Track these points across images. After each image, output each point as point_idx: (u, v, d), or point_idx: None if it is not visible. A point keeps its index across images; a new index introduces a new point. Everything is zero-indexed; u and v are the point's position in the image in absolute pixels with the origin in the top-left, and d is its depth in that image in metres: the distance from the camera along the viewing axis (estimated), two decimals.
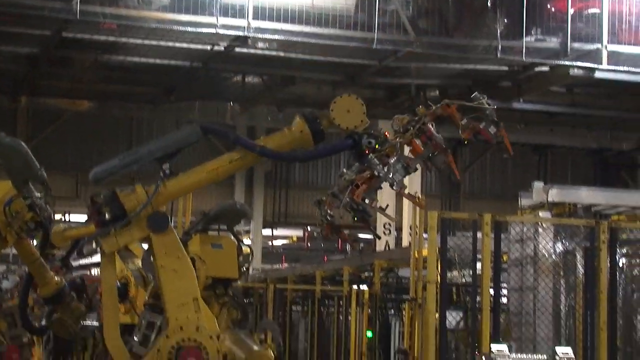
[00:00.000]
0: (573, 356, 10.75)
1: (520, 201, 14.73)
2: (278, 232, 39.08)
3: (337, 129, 10.83)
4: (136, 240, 10.93)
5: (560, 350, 10.81)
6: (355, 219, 11.10)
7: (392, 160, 10.69)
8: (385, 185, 10.86)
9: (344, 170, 11.24)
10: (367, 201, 11.23)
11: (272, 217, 37.08)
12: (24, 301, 12.70)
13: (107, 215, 10.58)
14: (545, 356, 10.89)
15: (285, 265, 34.62)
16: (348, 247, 36.14)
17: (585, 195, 14.96)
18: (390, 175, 10.71)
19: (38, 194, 11.34)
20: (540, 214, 14.08)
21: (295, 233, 40.28)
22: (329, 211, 11.14)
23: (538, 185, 14.58)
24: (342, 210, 10.99)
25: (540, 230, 12.37)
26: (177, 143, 10.94)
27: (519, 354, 10.99)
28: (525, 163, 34.78)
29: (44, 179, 11.41)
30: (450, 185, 31.48)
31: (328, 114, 10.88)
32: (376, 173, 10.68)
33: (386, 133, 11.06)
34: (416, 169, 13.02)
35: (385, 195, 11.28)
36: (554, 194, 14.45)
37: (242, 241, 12.91)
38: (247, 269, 13.01)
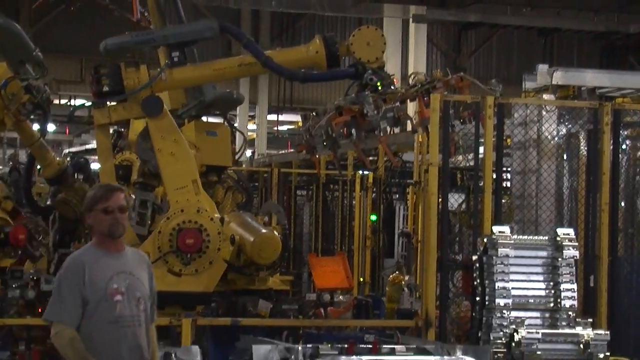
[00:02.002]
0: (574, 237, 10.83)
1: (524, 84, 14.65)
2: (283, 117, 39.07)
3: (353, 58, 10.79)
4: (128, 118, 10.96)
5: (562, 231, 10.88)
6: (325, 144, 11.11)
7: (385, 107, 10.64)
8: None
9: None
10: (353, 137, 11.19)
11: (277, 102, 37.03)
12: (28, 182, 12.78)
13: (105, 88, 10.60)
14: (546, 238, 10.97)
15: (291, 150, 34.64)
16: (353, 131, 36.09)
17: (590, 77, 14.86)
18: (378, 120, 10.67)
19: (35, 75, 11.32)
20: (544, 96, 14.03)
21: (300, 118, 40.28)
22: (310, 130, 11.14)
23: (542, 67, 14.48)
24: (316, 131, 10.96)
25: (543, 113, 12.34)
26: (192, 34, 10.94)
27: (520, 236, 11.06)
28: (531, 47, 34.57)
29: (40, 60, 11.39)
30: (455, 69, 31.33)
31: (347, 42, 10.83)
32: (365, 111, 10.65)
33: (395, 80, 11.03)
34: (404, 127, 13.02)
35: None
36: (558, 77, 14.36)
37: (237, 128, 12.95)
38: (240, 155, 13.07)
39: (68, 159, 12.93)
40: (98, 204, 6.35)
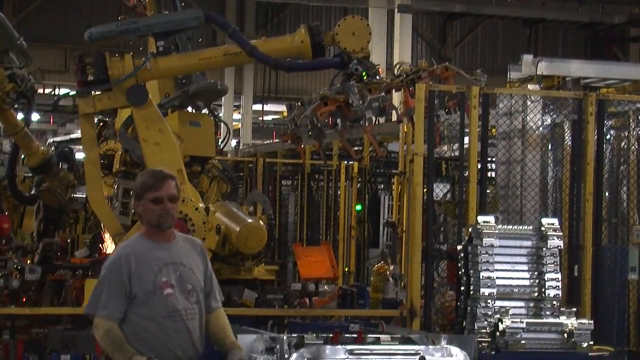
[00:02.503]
0: (559, 227, 10.87)
1: (509, 74, 14.69)
2: (268, 107, 39.02)
3: (338, 47, 10.78)
4: (113, 107, 10.95)
5: (546, 221, 10.91)
6: (310, 134, 11.12)
7: (370, 97, 10.64)
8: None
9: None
10: (339, 127, 11.20)
11: (262, 92, 36.99)
12: (12, 170, 12.74)
13: (90, 77, 10.58)
14: (531, 227, 11.01)
15: (276, 140, 34.61)
16: (338, 121, 36.04)
17: (575, 67, 14.91)
18: (363, 110, 10.67)
19: (19, 64, 11.28)
20: (529, 87, 14.06)
21: (285, 108, 40.23)
22: (295, 120, 11.15)
23: (527, 58, 14.52)
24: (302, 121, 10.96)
25: (528, 103, 12.36)
26: (177, 23, 10.91)
27: (505, 226, 11.09)
28: (516, 37, 34.62)
29: (24, 49, 11.36)
30: (440, 59, 31.36)
31: (332, 32, 10.83)
32: (350, 101, 10.66)
33: (380, 70, 11.03)
34: (389, 117, 13.02)
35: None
36: (543, 67, 14.40)
37: (221, 119, 12.93)
38: (224, 146, 13.04)
39: (52, 148, 12.88)
40: (147, 192, 6.05)
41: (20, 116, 12.39)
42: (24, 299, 11.19)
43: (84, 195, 12.68)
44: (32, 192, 13.17)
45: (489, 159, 12.27)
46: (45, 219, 12.32)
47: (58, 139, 39.43)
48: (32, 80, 11.70)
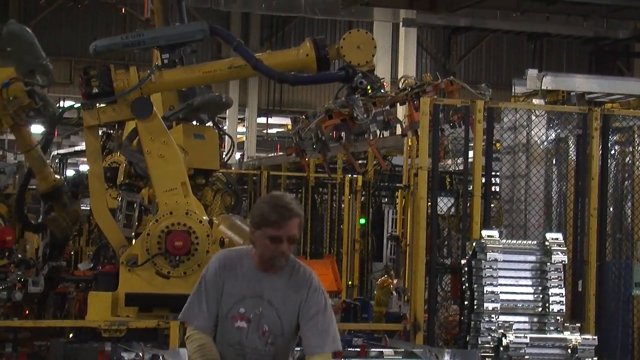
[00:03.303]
0: (563, 242, 10.84)
1: (513, 88, 14.70)
2: (273, 120, 39.06)
3: (343, 61, 10.81)
4: (117, 120, 10.94)
5: (551, 236, 10.89)
6: (314, 147, 11.13)
7: (375, 110, 10.65)
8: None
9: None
10: (343, 140, 11.21)
11: (266, 105, 37.03)
12: (21, 194, 12.73)
13: (95, 90, 10.58)
14: (535, 242, 10.98)
15: (280, 153, 34.62)
16: (343, 135, 36.10)
17: (579, 82, 14.92)
18: (368, 124, 10.68)
19: (40, 83, 11.25)
20: (534, 101, 14.07)
21: (290, 122, 40.25)
22: (300, 133, 11.16)
23: (532, 72, 14.54)
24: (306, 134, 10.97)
25: (533, 117, 12.35)
26: (182, 36, 10.92)
27: (509, 240, 11.07)
28: (520, 52, 34.65)
29: (49, 70, 11.36)
30: (445, 73, 31.37)
31: (337, 45, 10.84)
32: (355, 114, 10.67)
33: (385, 83, 11.03)
34: (393, 131, 13.02)
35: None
36: (548, 82, 14.41)
37: (225, 132, 12.93)
38: (228, 159, 13.04)
39: (64, 177, 12.75)
40: (267, 227, 5.45)
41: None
42: (27, 312, 11.17)
43: (88, 208, 12.67)
44: (40, 219, 13.12)
45: (493, 173, 12.25)
46: (51, 243, 12.26)
47: (62, 151, 39.47)
48: (53, 105, 11.71)
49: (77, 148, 36.96)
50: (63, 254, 12.61)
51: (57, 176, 12.64)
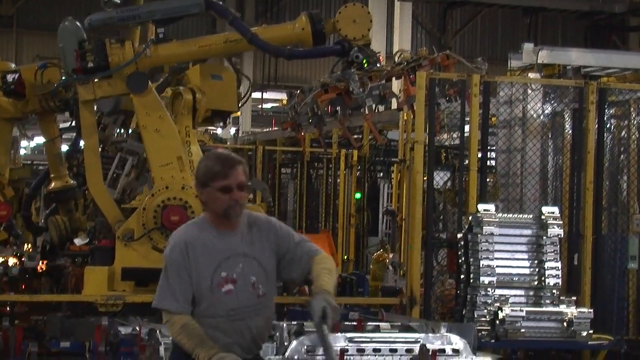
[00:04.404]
0: (559, 215, 10.86)
1: (509, 62, 14.67)
2: (268, 94, 38.98)
3: (339, 35, 10.76)
4: (113, 94, 10.91)
5: (547, 210, 10.91)
6: (310, 121, 11.10)
7: (371, 85, 10.61)
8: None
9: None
10: (339, 114, 11.18)
11: (262, 80, 36.95)
12: (34, 191, 12.69)
13: (90, 64, 10.55)
14: (531, 216, 11.00)
15: (275, 128, 34.57)
16: (338, 109, 36.11)
17: (575, 56, 14.90)
18: (364, 98, 10.64)
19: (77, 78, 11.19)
20: (530, 75, 14.04)
21: (285, 96, 40.19)
22: (295, 107, 11.12)
23: (528, 46, 14.51)
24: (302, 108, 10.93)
25: (529, 91, 12.33)
26: (177, 10, 10.86)
27: (505, 214, 11.09)
28: (516, 26, 34.59)
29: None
30: (440, 48, 31.30)
31: (333, 19, 10.79)
32: (350, 89, 10.63)
33: (380, 57, 10.98)
34: (389, 105, 12.95)
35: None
36: (544, 55, 14.39)
37: (242, 73, 12.77)
38: (246, 101, 12.83)
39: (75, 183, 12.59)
40: (214, 181, 5.45)
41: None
42: (23, 287, 11.17)
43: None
44: (41, 222, 13.06)
45: (489, 147, 12.25)
46: (51, 242, 12.19)
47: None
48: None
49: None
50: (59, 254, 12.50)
51: (72, 181, 12.53)
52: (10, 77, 11.51)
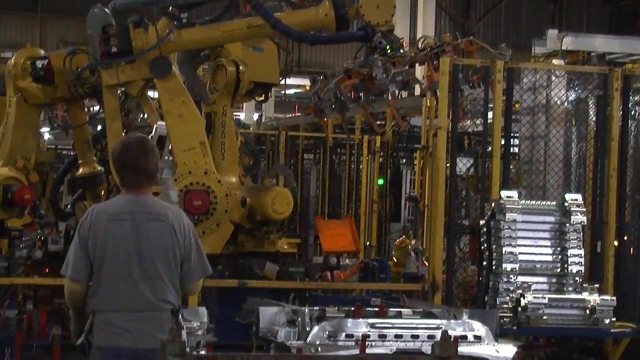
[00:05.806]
0: (582, 203, 10.83)
1: (533, 49, 14.60)
2: (291, 80, 38.95)
3: (362, 21, 10.74)
4: (136, 79, 10.92)
5: (570, 197, 10.88)
6: (333, 107, 11.09)
7: (394, 70, 10.59)
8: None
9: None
10: (362, 100, 11.16)
11: (285, 66, 36.90)
12: (60, 177, 12.69)
13: (114, 49, 10.57)
14: (554, 203, 10.97)
15: (298, 114, 34.58)
16: (362, 95, 36.14)
17: (600, 43, 14.82)
18: (387, 84, 10.62)
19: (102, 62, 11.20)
20: (554, 61, 13.97)
21: (308, 82, 40.16)
22: (318, 93, 11.11)
23: (552, 32, 14.44)
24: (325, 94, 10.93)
25: (553, 78, 12.27)
26: None
27: (528, 201, 11.06)
28: (540, 12, 34.42)
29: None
30: (463, 34, 31.21)
31: (357, 5, 10.76)
32: (374, 74, 10.61)
33: (404, 43, 10.96)
34: (412, 91, 12.91)
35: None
36: (568, 42, 14.32)
37: (281, 46, 12.70)
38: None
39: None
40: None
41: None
42: (47, 270, 11.23)
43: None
44: (68, 208, 13.09)
45: (513, 134, 12.21)
46: (75, 226, 12.23)
47: None
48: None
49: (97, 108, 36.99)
50: None
51: (99, 167, 12.56)
52: (39, 63, 11.54)
